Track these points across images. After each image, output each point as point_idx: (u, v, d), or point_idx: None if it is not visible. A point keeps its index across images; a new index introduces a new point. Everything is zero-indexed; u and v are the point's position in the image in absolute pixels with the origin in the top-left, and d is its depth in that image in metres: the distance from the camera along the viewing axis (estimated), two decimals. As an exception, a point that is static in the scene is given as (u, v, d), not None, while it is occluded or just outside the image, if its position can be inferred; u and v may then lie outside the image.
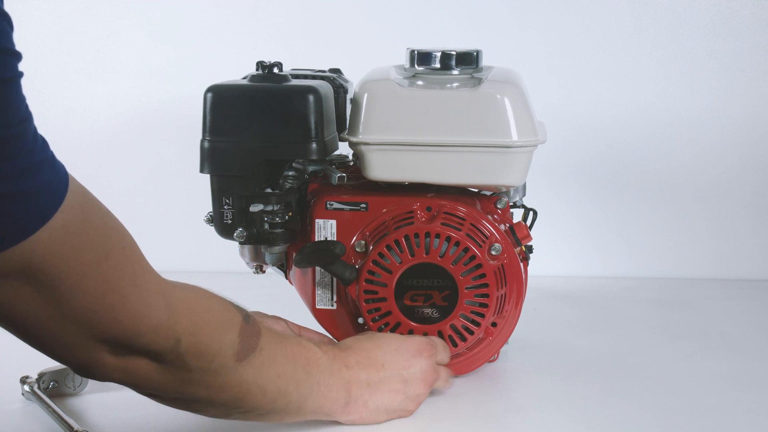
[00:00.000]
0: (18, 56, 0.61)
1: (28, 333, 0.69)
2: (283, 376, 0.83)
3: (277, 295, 1.25)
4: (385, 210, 1.01)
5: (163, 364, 0.74)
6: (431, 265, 0.98)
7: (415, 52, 1.03)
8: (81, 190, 0.67)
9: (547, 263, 1.39)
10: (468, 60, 1.02)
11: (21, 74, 0.61)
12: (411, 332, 0.99)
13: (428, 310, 0.99)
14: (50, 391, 0.98)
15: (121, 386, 1.00)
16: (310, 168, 1.00)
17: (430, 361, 0.95)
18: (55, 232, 0.63)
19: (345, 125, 1.05)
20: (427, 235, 0.98)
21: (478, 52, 1.03)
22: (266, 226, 1.01)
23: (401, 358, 0.93)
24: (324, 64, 1.14)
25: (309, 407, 0.86)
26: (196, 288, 0.79)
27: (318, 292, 1.04)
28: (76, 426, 0.88)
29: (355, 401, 0.89)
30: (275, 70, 1.01)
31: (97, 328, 0.69)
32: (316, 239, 1.03)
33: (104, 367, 0.72)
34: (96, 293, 0.67)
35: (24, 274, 0.64)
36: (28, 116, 0.62)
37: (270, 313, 0.98)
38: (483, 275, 0.98)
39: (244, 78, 1.04)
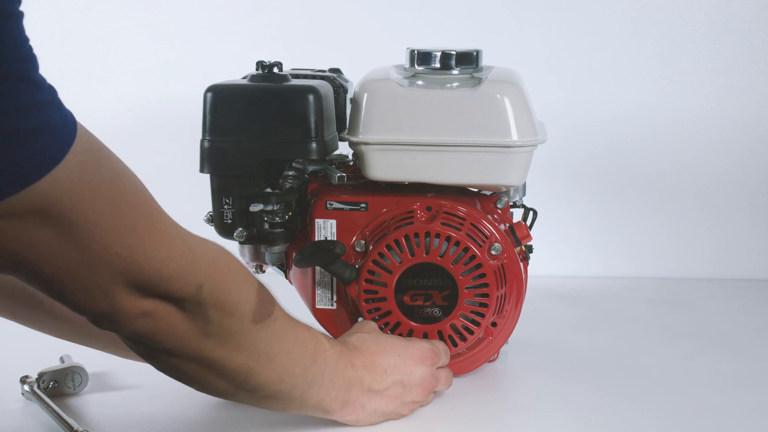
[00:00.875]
0: None
1: (48, 280, 0.67)
2: (292, 355, 0.83)
3: (277, 295, 1.25)
4: (385, 210, 1.01)
5: (184, 313, 0.73)
6: (431, 265, 0.98)
7: (415, 52, 1.03)
8: (89, 135, 0.67)
9: (547, 263, 1.39)
10: (468, 60, 1.03)
11: (21, 14, 0.61)
12: (411, 332, 0.99)
13: (428, 310, 0.99)
14: (50, 390, 0.98)
15: (121, 386, 1.00)
16: (310, 168, 1.00)
17: (432, 369, 0.95)
18: (69, 171, 0.63)
19: (345, 125, 1.05)
20: (427, 234, 0.98)
21: (478, 52, 1.03)
22: (266, 225, 1.01)
23: (404, 363, 0.93)
24: (324, 64, 1.14)
25: (311, 398, 0.86)
26: (214, 242, 0.78)
27: (318, 292, 1.04)
28: (76, 426, 0.88)
29: (353, 403, 0.89)
30: (275, 70, 1.01)
31: (119, 270, 0.68)
32: (316, 239, 1.03)
33: (126, 315, 0.70)
34: (115, 233, 0.67)
35: (41, 215, 0.63)
36: (29, 57, 0.61)
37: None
38: (483, 275, 0.98)
39: (244, 78, 1.04)
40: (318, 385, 0.86)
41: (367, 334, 0.96)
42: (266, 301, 0.81)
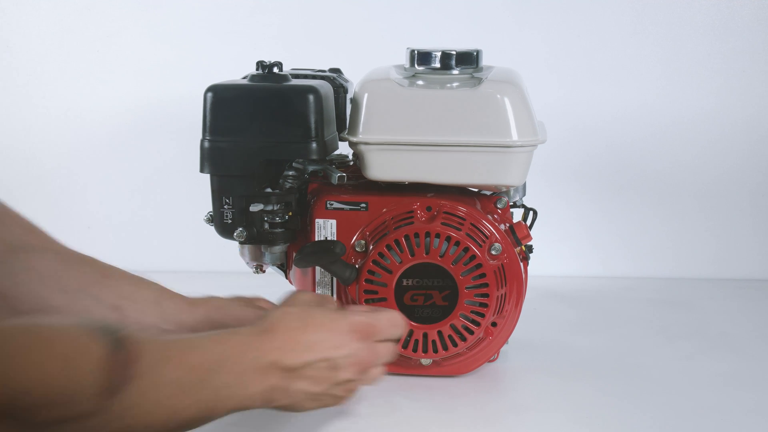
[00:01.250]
0: None
1: None
2: (173, 397, 0.73)
3: (276, 295, 1.25)
4: (385, 210, 1.01)
5: (15, 424, 0.65)
6: (431, 265, 0.98)
7: (415, 51, 1.03)
8: None
9: (547, 263, 1.39)
10: (468, 60, 1.03)
11: None
12: (411, 332, 0.99)
13: (428, 310, 0.99)
14: (50, 391, 0.97)
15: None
16: (310, 168, 1.00)
17: (366, 344, 0.85)
18: None
19: (345, 125, 1.05)
20: (427, 234, 0.98)
21: (478, 52, 1.03)
22: (266, 225, 1.01)
23: (332, 338, 0.83)
24: (324, 64, 1.14)
25: (221, 409, 0.78)
26: (28, 323, 0.69)
27: (318, 292, 1.04)
28: (75, 426, 0.88)
29: (274, 391, 0.80)
30: (275, 69, 1.01)
31: None
32: (316, 239, 1.03)
33: None
34: None
35: None
36: None
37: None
38: (483, 275, 0.98)
39: (244, 78, 1.04)
40: (224, 396, 0.77)
41: (292, 307, 0.85)
42: (121, 366, 0.69)
